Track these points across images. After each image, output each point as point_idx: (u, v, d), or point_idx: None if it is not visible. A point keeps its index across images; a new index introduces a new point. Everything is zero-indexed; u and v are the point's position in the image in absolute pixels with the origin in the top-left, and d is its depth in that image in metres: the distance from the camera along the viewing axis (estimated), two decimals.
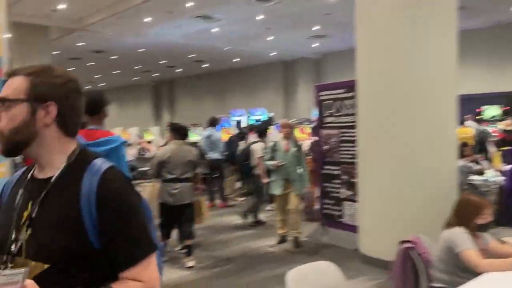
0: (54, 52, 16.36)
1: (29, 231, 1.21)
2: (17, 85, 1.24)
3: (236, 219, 7.95)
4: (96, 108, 3.19)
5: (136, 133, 15.26)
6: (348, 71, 16.20)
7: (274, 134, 8.67)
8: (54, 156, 1.26)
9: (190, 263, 5.29)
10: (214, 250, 6.10)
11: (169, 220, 5.23)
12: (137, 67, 22.84)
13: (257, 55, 19.63)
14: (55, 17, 12.95)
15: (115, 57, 19.62)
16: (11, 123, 1.22)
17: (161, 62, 21.39)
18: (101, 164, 1.27)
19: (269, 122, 8.91)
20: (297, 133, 9.74)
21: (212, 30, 14.99)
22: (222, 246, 6.29)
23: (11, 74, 1.27)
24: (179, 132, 5.36)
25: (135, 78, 27.26)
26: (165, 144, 6.70)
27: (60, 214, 1.20)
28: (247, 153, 7.74)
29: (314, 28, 15.37)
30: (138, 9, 12.03)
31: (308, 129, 9.79)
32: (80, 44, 16.60)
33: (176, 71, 24.28)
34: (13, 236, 1.22)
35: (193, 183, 5.34)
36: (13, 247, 1.21)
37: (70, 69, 22.28)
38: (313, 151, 7.66)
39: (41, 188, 1.24)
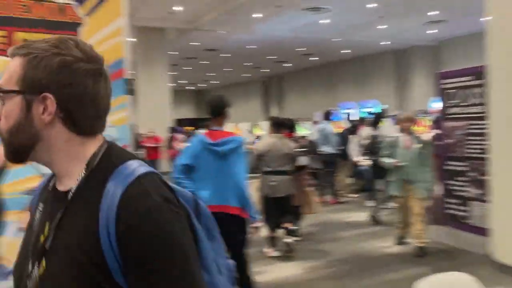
0: (171, 53, 17.38)
1: (43, 263, 0.89)
2: (12, 70, 0.91)
3: (348, 216, 7.65)
4: (218, 110, 3.51)
5: (247, 128, 15.57)
6: (469, 58, 14.89)
7: (388, 128, 8.18)
8: (69, 162, 0.93)
9: (289, 240, 5.34)
10: (326, 249, 5.88)
11: (271, 212, 5.24)
12: (247, 64, 23.34)
13: (367, 45, 18.88)
14: (171, 19, 13.68)
15: (227, 55, 20.24)
16: (7, 122, 0.91)
17: (270, 58, 21.60)
18: (133, 169, 0.89)
19: (382, 115, 8.40)
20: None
21: (321, 22, 14.70)
22: (334, 245, 6.06)
23: (12, 53, 0.93)
24: (280, 125, 5.44)
25: (246, 75, 27.93)
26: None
27: (76, 244, 0.86)
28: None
29: (431, 14, 14.29)
30: (248, 6, 12.21)
31: (426, 121, 9.08)
32: (194, 43, 17.39)
33: (285, 65, 24.36)
34: (29, 268, 0.92)
35: (295, 176, 5.42)
36: (28, 284, 0.91)
37: (186, 68, 23.64)
38: (435, 145, 7.06)
39: (60, 205, 0.92)
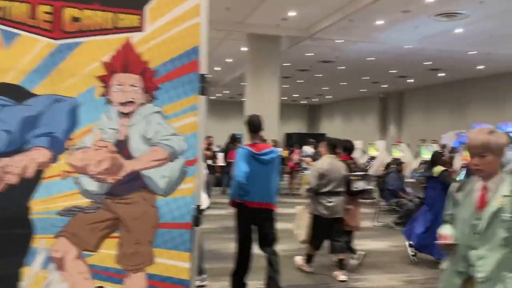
0: (285, 64, 16.60)
1: None
2: None
3: None
4: (258, 127, 4.44)
5: (360, 147, 14.10)
6: None
7: None
8: None
9: (342, 277, 5.18)
10: None
11: (321, 233, 5.26)
12: (365, 78, 21.78)
13: (508, 61, 16.21)
14: (285, 26, 12.85)
15: (343, 67, 18.95)
16: None
17: (391, 72, 19.81)
18: None
19: None
20: None
21: (456, 31, 12.76)
22: None
23: None
24: (335, 147, 5.50)
25: (362, 90, 26.27)
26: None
27: None
28: None
29: None
30: (370, 11, 10.89)
31: None
32: (308, 54, 16.42)
33: (408, 81, 22.29)
34: None
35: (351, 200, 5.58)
36: None
37: (299, 81, 22.75)
38: None
39: None
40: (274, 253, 4.49)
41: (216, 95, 29.07)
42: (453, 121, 20.90)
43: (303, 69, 19.35)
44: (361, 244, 6.75)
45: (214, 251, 5.63)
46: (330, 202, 5.18)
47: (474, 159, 2.30)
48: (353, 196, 5.60)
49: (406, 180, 9.85)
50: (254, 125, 4.47)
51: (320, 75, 20.98)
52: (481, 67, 17.91)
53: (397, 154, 11.54)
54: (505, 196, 2.26)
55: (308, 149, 14.57)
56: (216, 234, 6.48)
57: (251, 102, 13.83)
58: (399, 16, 11.49)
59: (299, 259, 5.48)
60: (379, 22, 12.17)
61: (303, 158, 13.27)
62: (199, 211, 2.98)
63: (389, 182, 8.74)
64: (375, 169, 11.84)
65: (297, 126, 33.83)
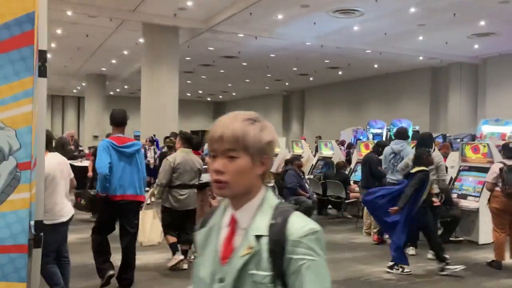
0: (186, 58, 15.92)
1: None
2: None
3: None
4: (122, 121, 4.52)
5: None
6: None
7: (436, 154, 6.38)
8: None
9: (185, 266, 5.27)
10: None
11: (172, 224, 5.28)
12: (268, 75, 21.78)
13: (400, 60, 17.07)
14: (183, 16, 12.19)
15: (246, 64, 18.69)
16: None
17: (293, 69, 19.99)
18: None
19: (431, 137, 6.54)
20: (468, 152, 7.31)
21: (353, 29, 13.01)
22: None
23: None
24: (189, 141, 5.53)
25: (266, 88, 26.39)
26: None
27: None
28: None
29: (478, 24, 12.47)
30: (270, 4, 10.65)
31: (483, 147, 7.26)
32: (210, 48, 15.90)
33: (307, 79, 22.70)
34: None
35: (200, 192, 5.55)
36: None
37: (203, 77, 22.04)
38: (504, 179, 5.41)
39: None
40: (131, 244, 4.50)
41: (117, 90, 27.47)
42: (350, 118, 21.69)
43: (205, 64, 18.78)
44: None
45: (90, 266, 4.84)
46: (182, 195, 5.21)
47: (216, 161, 1.20)
48: (201, 189, 5.63)
49: (307, 176, 9.72)
50: (116, 119, 4.50)
51: (223, 71, 20.57)
52: (376, 66, 18.69)
53: (298, 151, 11.45)
54: (258, 236, 1.16)
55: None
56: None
57: (147, 98, 12.97)
58: (298, 10, 11.39)
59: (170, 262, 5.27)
60: (279, 17, 11.99)
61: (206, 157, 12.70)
62: (40, 227, 2.31)
63: (287, 180, 8.50)
64: (277, 166, 11.66)
65: (203, 123, 33.23)
